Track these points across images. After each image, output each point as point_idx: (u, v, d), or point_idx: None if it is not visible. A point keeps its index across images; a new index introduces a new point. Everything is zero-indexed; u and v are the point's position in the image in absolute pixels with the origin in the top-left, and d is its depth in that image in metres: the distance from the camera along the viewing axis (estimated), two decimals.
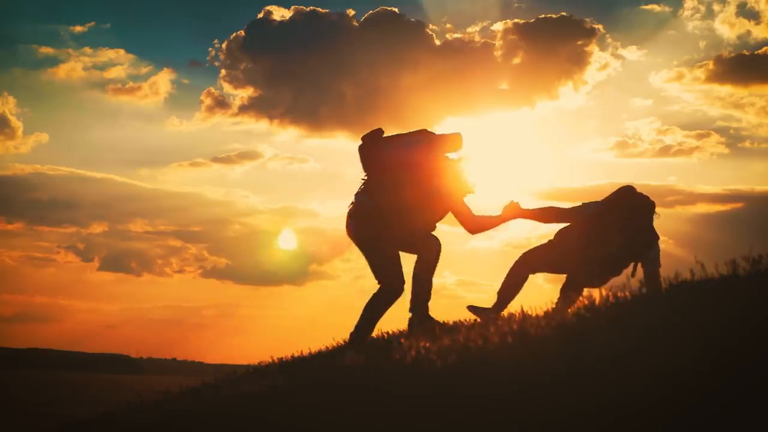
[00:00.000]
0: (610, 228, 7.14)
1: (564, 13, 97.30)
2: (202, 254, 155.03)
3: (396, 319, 7.42)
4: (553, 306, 6.60)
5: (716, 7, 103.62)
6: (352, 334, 7.21)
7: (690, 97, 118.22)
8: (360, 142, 7.28)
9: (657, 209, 7.21)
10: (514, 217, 7.33)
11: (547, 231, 7.51)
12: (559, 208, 7.42)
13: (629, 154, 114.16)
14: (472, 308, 7.23)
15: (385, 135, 7.26)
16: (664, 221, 7.23)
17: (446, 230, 7.38)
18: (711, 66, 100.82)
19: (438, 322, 7.08)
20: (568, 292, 7.13)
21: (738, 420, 3.20)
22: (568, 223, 7.35)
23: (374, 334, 7.30)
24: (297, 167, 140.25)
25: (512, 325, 4.83)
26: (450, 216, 7.26)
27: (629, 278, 6.92)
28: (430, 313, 7.26)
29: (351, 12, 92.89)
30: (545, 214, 7.40)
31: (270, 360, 8.22)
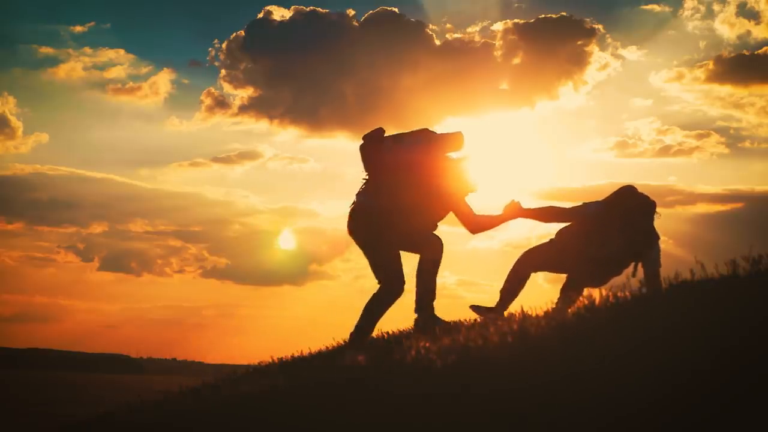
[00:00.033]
0: (610, 228, 7.14)
1: (564, 13, 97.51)
2: (202, 254, 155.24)
3: (396, 319, 7.42)
4: (553, 306, 6.60)
5: (716, 7, 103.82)
6: (352, 334, 7.20)
7: (690, 97, 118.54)
8: (361, 142, 7.27)
9: (657, 209, 7.21)
10: (515, 217, 7.33)
11: (547, 231, 7.51)
12: (559, 207, 7.42)
13: (629, 154, 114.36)
14: (476, 308, 7.23)
15: (386, 134, 7.26)
16: (664, 221, 7.23)
17: (447, 230, 7.37)
18: (711, 66, 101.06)
19: (445, 322, 7.07)
20: (568, 292, 7.13)
21: (738, 420, 3.20)
22: (569, 223, 7.35)
23: (374, 334, 7.29)
24: (297, 167, 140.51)
25: (512, 324, 4.83)
26: (450, 216, 7.25)
27: (629, 278, 6.92)
28: (435, 312, 7.25)
29: (351, 12, 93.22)
30: (546, 214, 7.39)
31: (270, 360, 8.23)
